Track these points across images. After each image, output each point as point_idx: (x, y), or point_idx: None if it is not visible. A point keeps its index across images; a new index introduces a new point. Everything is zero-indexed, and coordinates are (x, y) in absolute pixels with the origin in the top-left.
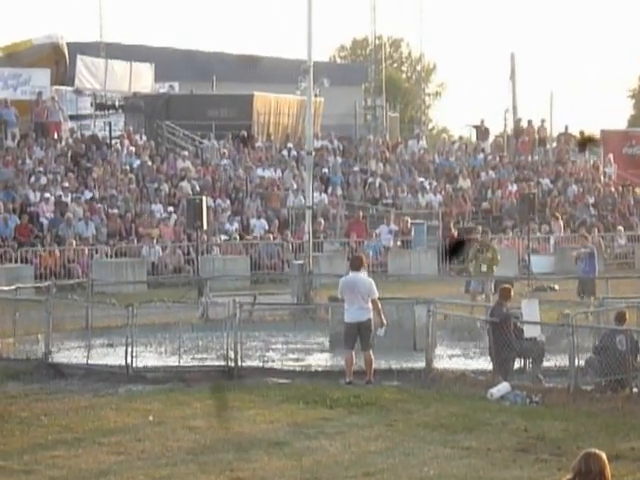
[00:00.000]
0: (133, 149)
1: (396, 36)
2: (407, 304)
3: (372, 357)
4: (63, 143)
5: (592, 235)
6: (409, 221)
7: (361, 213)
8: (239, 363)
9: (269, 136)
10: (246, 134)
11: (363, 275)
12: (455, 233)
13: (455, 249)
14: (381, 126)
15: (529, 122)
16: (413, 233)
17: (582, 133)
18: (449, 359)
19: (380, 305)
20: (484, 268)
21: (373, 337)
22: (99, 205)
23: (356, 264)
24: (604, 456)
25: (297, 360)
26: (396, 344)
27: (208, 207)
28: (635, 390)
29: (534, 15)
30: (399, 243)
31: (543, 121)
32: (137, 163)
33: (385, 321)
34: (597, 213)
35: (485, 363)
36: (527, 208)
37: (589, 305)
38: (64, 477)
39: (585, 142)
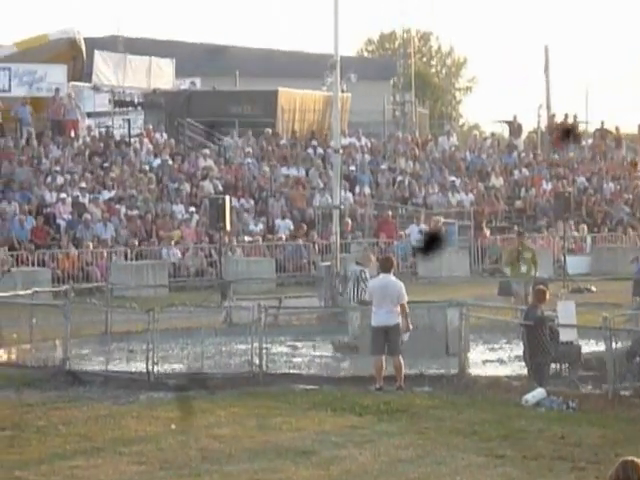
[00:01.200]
0: (152, 147)
1: (425, 29)
2: (439, 307)
3: (402, 362)
4: (80, 142)
5: (628, 235)
6: (441, 221)
7: (390, 213)
8: (264, 369)
9: (294, 133)
10: (270, 131)
11: (393, 278)
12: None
13: (429, 245)
14: (410, 122)
15: (564, 117)
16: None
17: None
18: (482, 364)
19: (408, 309)
20: (523, 269)
21: (401, 342)
22: (118, 206)
23: (386, 266)
24: None
25: (324, 366)
26: (428, 348)
27: (231, 207)
28: None
29: (569, 6)
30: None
31: (575, 116)
32: (157, 162)
33: (411, 326)
34: (634, 212)
35: (520, 368)
36: (562, 207)
37: (625, 307)
38: None
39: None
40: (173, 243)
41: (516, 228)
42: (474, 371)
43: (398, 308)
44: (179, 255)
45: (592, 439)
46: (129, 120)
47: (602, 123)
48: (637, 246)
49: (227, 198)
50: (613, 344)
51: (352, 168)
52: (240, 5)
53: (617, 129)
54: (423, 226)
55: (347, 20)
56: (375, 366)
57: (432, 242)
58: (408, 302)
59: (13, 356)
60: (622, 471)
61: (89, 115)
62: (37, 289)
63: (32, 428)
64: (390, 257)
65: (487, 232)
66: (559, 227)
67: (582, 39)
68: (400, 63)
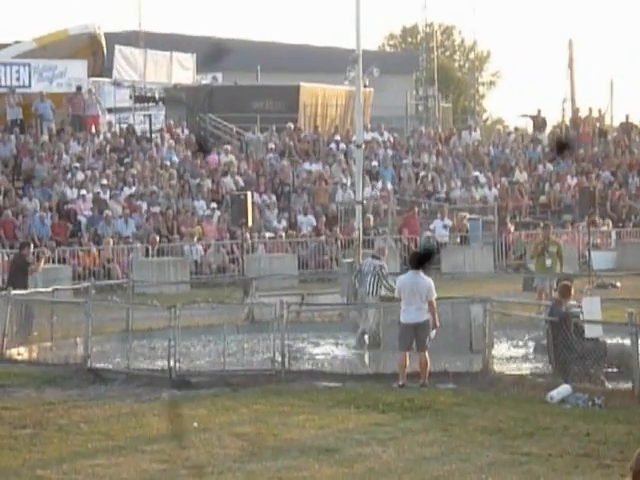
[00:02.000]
0: (174, 143)
1: (448, 23)
2: (463, 303)
3: (427, 359)
4: (101, 137)
5: None
6: (466, 216)
7: (416, 208)
8: (287, 366)
9: (316, 128)
10: (292, 127)
11: (422, 274)
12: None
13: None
14: (433, 117)
15: (589, 111)
16: (468, 229)
17: (559, 137)
18: (507, 360)
19: (436, 306)
20: (548, 263)
21: (429, 339)
22: (139, 202)
23: (415, 262)
24: None
25: (347, 363)
26: (452, 345)
27: (253, 203)
28: None
29: None
30: (458, 239)
31: (601, 110)
32: (178, 158)
33: (438, 323)
34: None
35: (545, 365)
36: (587, 202)
37: None
38: None
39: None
40: (195, 239)
41: (542, 223)
42: (498, 368)
43: (426, 305)
44: (201, 251)
45: (618, 436)
46: (150, 116)
47: (627, 117)
48: None
49: (249, 194)
50: (639, 340)
51: (374, 163)
52: (262, 0)
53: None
54: (447, 221)
55: (369, 14)
56: (399, 363)
57: (422, 258)
58: None
59: (34, 354)
60: None
61: (110, 111)
62: (58, 286)
63: (54, 426)
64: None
65: (511, 227)
66: (584, 222)
67: (607, 33)
68: (423, 57)
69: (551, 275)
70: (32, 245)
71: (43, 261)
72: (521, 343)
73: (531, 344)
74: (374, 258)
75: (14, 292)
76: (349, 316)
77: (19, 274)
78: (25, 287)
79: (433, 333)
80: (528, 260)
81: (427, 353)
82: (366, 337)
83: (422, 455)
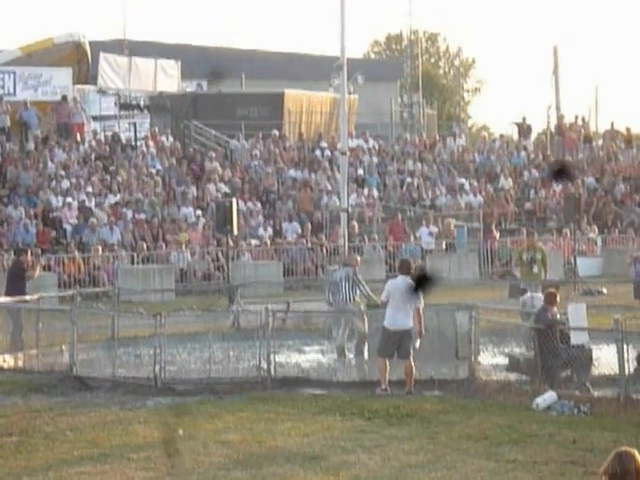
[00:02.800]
0: (155, 151)
1: (432, 30)
2: (448, 310)
3: (413, 366)
4: (86, 145)
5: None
6: (453, 223)
7: (400, 215)
8: (272, 374)
9: (301, 136)
10: (277, 134)
11: (410, 280)
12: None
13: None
14: (418, 124)
15: (574, 118)
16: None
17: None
18: (493, 368)
19: (422, 315)
20: (535, 270)
21: (413, 347)
22: (124, 210)
23: (405, 268)
24: (637, 454)
25: (333, 370)
26: (437, 352)
27: (238, 210)
28: None
29: (578, 6)
30: (443, 246)
31: (584, 118)
32: (163, 165)
33: (423, 331)
34: None
35: (518, 378)
36: (572, 209)
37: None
38: None
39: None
40: (184, 247)
41: (526, 230)
42: (484, 375)
43: (413, 312)
44: (187, 259)
45: (604, 443)
46: (135, 123)
47: (612, 124)
48: None
49: (234, 201)
50: (625, 347)
51: (360, 170)
52: (246, 8)
53: (628, 130)
54: (433, 228)
55: (353, 22)
56: (381, 368)
57: (423, 281)
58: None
59: (20, 362)
60: (619, 462)
61: (95, 118)
62: (43, 294)
63: (39, 434)
64: (409, 260)
65: (497, 234)
66: (569, 229)
67: (591, 40)
68: (407, 64)
69: (537, 282)
70: (29, 252)
71: (39, 268)
72: (507, 350)
73: (517, 350)
74: (346, 266)
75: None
76: (324, 324)
77: (17, 281)
78: (23, 293)
79: (418, 342)
80: (514, 267)
81: (412, 360)
82: (346, 349)
83: (408, 463)
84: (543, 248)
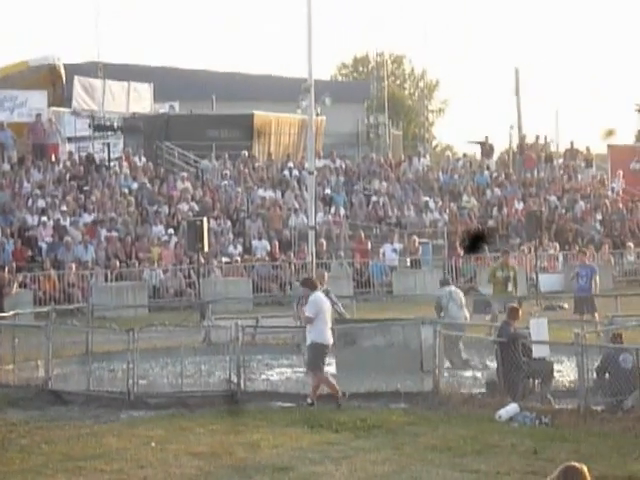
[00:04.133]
0: (128, 171)
1: (398, 53)
2: (413, 324)
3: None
4: (61, 165)
5: (601, 252)
6: (417, 240)
7: (362, 233)
8: (242, 387)
9: (270, 156)
10: (247, 154)
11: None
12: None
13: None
14: (384, 144)
15: (535, 138)
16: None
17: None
18: (457, 380)
19: None
20: (510, 288)
21: None
22: (98, 228)
23: (314, 284)
24: (585, 469)
25: (301, 383)
26: (403, 365)
27: (209, 229)
28: None
29: (538, 29)
30: (408, 263)
31: (546, 137)
32: (136, 185)
33: None
34: (605, 230)
35: (493, 384)
36: (534, 226)
37: (596, 324)
38: None
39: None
40: (156, 264)
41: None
42: (448, 387)
43: None
44: (160, 276)
45: (564, 454)
46: (109, 144)
47: (572, 143)
48: (584, 265)
49: (205, 220)
50: (584, 360)
51: (327, 190)
52: (217, 31)
53: (587, 149)
54: (397, 245)
55: (321, 44)
56: (322, 381)
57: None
58: (384, 319)
59: None
60: (563, 478)
61: (69, 139)
62: (19, 311)
63: (15, 447)
64: (311, 277)
65: (460, 251)
66: (531, 246)
67: (552, 61)
68: (373, 86)
69: (499, 298)
70: (6, 269)
71: (16, 285)
72: (471, 363)
73: (481, 364)
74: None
75: None
76: (292, 339)
77: None
78: (1, 310)
79: None
80: (486, 283)
81: None
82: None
83: (374, 473)
84: (515, 267)
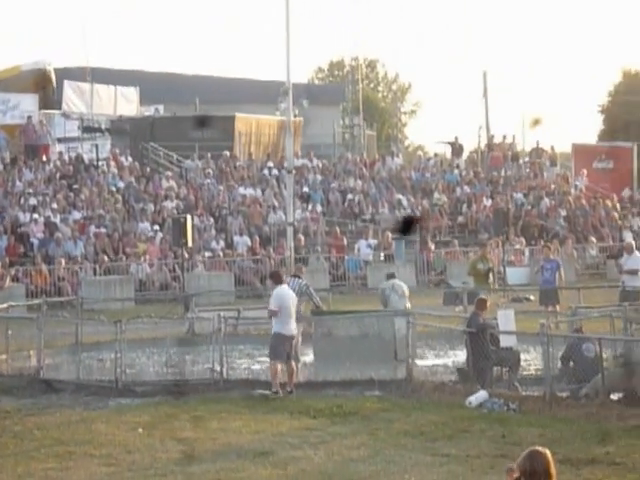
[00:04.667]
0: (119, 170)
1: (372, 57)
2: (387, 316)
3: (295, 367)
4: (52, 165)
5: (565, 246)
6: (390, 235)
7: (338, 229)
8: (225, 376)
9: (250, 156)
10: (228, 154)
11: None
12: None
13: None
14: (359, 144)
15: (502, 138)
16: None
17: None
18: (429, 369)
19: None
20: (490, 279)
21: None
22: (87, 225)
23: (277, 278)
24: (548, 453)
25: (281, 372)
26: (377, 355)
27: (192, 225)
28: (612, 397)
29: (506, 35)
30: (382, 257)
31: (514, 138)
32: (123, 184)
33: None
34: (569, 225)
35: (463, 372)
36: (501, 221)
37: (560, 314)
38: None
39: (407, 225)
40: (142, 259)
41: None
42: (421, 375)
43: None
44: (146, 270)
45: (531, 438)
46: (97, 145)
47: (537, 143)
48: (549, 259)
49: (189, 217)
50: (550, 349)
51: (305, 188)
52: (200, 37)
53: (552, 148)
54: (372, 241)
55: (299, 50)
56: (275, 371)
57: (407, 225)
58: (359, 311)
59: None
60: (529, 463)
61: (60, 140)
62: (12, 303)
63: (9, 433)
64: (277, 271)
65: (432, 246)
66: (499, 240)
67: (519, 64)
68: (349, 89)
69: (480, 289)
70: (0, 264)
71: (9, 279)
72: (442, 353)
73: (451, 352)
74: (295, 277)
75: None
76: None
77: None
78: None
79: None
80: (467, 275)
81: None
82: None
83: (350, 457)
84: (492, 259)
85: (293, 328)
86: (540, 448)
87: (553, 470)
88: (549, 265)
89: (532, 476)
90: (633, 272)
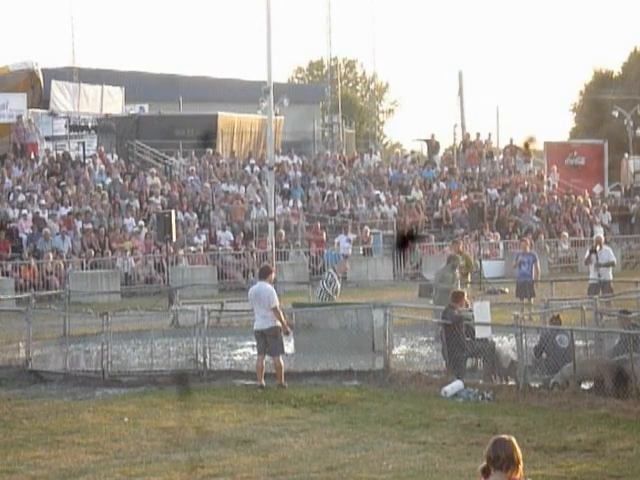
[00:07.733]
0: (105, 167)
1: (350, 57)
2: (365, 308)
3: (282, 363)
4: (40, 163)
5: (538, 241)
6: (368, 231)
7: (318, 224)
8: (208, 366)
9: (233, 153)
10: (211, 152)
11: (267, 284)
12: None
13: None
14: (338, 142)
15: (477, 135)
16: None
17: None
18: (406, 359)
19: (281, 313)
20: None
21: (281, 344)
22: (74, 220)
23: (263, 273)
24: (513, 440)
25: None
26: (356, 346)
27: (177, 220)
28: (584, 386)
29: (481, 35)
30: (360, 251)
31: (489, 135)
32: (109, 180)
33: (289, 329)
34: (542, 220)
35: (439, 363)
36: (476, 217)
37: (535, 307)
38: (45, 476)
39: (405, 240)
40: (128, 254)
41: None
42: (398, 366)
43: (271, 313)
44: (131, 264)
45: (506, 427)
46: (84, 143)
47: (511, 140)
48: (527, 253)
49: (173, 212)
50: (523, 340)
51: (285, 184)
52: (183, 37)
53: (526, 146)
54: (351, 236)
55: (279, 50)
56: (256, 366)
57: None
58: (339, 303)
59: None
60: (492, 450)
61: (47, 139)
62: (1, 296)
63: None
64: (268, 266)
65: (408, 240)
66: (474, 235)
67: (493, 64)
68: (328, 88)
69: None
70: None
71: None
72: (417, 344)
73: (427, 344)
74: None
75: None
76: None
77: None
78: None
79: (289, 338)
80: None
81: (281, 357)
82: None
83: (330, 445)
84: (467, 253)
85: (260, 324)
86: (505, 436)
87: (519, 456)
88: (526, 259)
89: (495, 462)
90: (610, 265)
